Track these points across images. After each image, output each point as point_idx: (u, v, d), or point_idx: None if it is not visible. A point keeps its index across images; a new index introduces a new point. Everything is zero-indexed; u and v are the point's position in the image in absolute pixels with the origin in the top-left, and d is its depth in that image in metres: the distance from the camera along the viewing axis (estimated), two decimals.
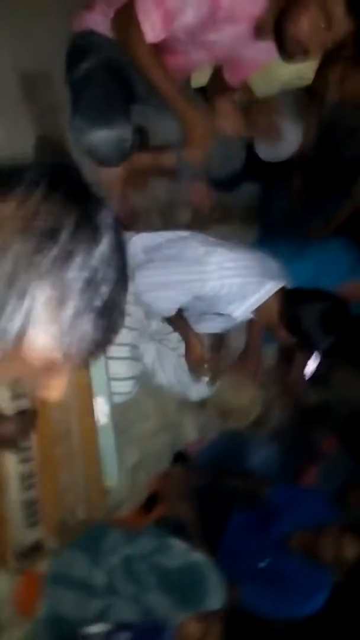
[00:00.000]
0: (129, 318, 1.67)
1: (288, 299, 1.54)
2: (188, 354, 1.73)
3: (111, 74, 1.48)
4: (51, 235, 0.49)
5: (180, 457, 2.15)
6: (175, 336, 1.89)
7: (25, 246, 0.48)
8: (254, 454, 2.33)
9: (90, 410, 1.43)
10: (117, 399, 1.62)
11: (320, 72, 1.92)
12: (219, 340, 1.89)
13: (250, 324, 1.97)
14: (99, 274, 0.50)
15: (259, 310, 1.55)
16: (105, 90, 1.47)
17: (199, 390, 1.96)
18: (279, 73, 1.92)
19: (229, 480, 2.14)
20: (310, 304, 1.53)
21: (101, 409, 1.50)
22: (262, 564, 1.90)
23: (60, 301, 0.49)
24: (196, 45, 1.50)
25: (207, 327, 1.80)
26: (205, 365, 1.74)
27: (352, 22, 1.31)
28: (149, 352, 1.83)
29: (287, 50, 1.37)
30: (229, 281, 1.47)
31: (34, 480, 1.29)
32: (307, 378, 2.78)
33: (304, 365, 2.58)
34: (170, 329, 1.86)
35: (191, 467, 2.15)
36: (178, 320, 1.68)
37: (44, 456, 1.29)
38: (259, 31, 1.45)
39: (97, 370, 1.48)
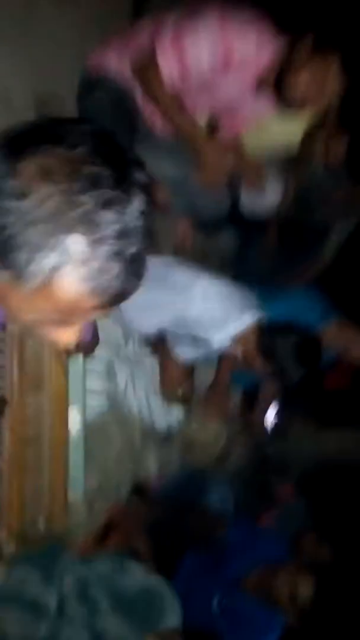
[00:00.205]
0: (107, 336, 1.71)
1: (264, 330, 1.62)
2: (163, 377, 1.77)
3: (118, 107, 1.61)
4: (91, 185, 0.55)
5: (139, 489, 2.12)
6: (150, 362, 1.93)
7: (67, 191, 0.54)
8: (212, 493, 2.33)
9: (64, 419, 1.44)
10: (91, 413, 1.63)
11: (307, 140, 2.11)
12: (189, 369, 1.94)
13: (221, 358, 2.05)
14: (130, 227, 0.57)
15: (236, 338, 1.63)
16: (112, 120, 1.59)
17: (167, 418, 1.98)
18: (268, 136, 2.10)
19: (186, 518, 2.12)
20: (286, 335, 1.63)
21: (74, 419, 1.51)
22: (215, 605, 1.86)
23: (94, 245, 0.55)
24: (204, 92, 1.65)
25: (184, 351, 1.85)
26: (179, 391, 1.78)
27: (343, 82, 1.50)
28: (123, 372, 1.86)
29: (287, 99, 1.54)
30: (212, 306, 1.55)
31: (0, 478, 1.27)
32: (267, 427, 2.85)
33: (266, 407, 2.65)
34: (145, 353, 1.91)
35: (149, 500, 2.12)
36: (158, 343, 1.73)
37: (13, 457, 1.28)
38: (260, 84, 1.62)
39: (73, 379, 1.50)
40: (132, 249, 0.57)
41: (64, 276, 0.56)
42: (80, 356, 1.49)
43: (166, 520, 2.07)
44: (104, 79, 1.61)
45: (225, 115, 1.87)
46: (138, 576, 1.51)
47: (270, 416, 2.93)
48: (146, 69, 1.48)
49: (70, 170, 0.54)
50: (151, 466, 2.23)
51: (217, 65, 1.48)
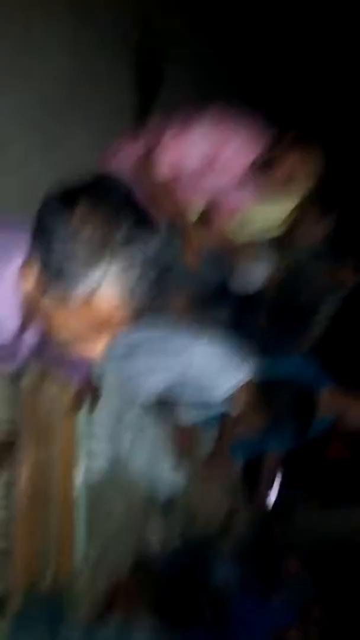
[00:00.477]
0: (110, 401, 1.82)
1: (261, 384, 1.74)
2: (178, 440, 1.86)
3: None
4: (121, 226, 0.74)
5: (142, 565, 2.10)
6: (152, 430, 2.02)
7: (106, 232, 0.73)
8: (217, 571, 2.29)
9: (71, 476, 1.50)
10: (92, 478, 1.69)
11: (290, 222, 2.35)
12: (191, 428, 2.02)
13: (221, 424, 2.13)
14: (151, 258, 0.76)
15: (235, 394, 1.74)
16: None
17: (170, 485, 2.02)
18: (254, 224, 2.36)
19: (190, 593, 2.08)
20: (281, 389, 1.74)
21: (78, 479, 1.57)
22: None
23: (125, 269, 0.74)
24: (193, 189, 1.91)
25: (191, 417, 1.95)
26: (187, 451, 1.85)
27: (322, 169, 1.76)
28: (125, 441, 1.94)
29: (271, 185, 1.78)
30: (210, 366, 1.68)
31: (10, 530, 1.31)
32: (270, 502, 2.84)
33: (270, 480, 2.65)
34: (147, 422, 2.00)
35: (152, 576, 2.09)
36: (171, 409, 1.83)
37: (23, 512, 1.34)
38: (247, 177, 1.88)
39: (79, 441, 1.58)
40: (155, 275, 0.76)
41: (101, 296, 0.75)
42: (86, 417, 1.59)
43: (170, 594, 2.04)
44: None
45: (214, 210, 2.12)
46: (144, 637, 1.49)
47: (274, 492, 2.93)
48: (145, 165, 1.74)
49: (107, 216, 0.74)
50: (152, 542, 2.23)
51: (204, 165, 1.75)
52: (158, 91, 2.89)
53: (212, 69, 3.47)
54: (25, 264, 0.81)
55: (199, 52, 3.40)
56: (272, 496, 2.79)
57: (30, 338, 1.03)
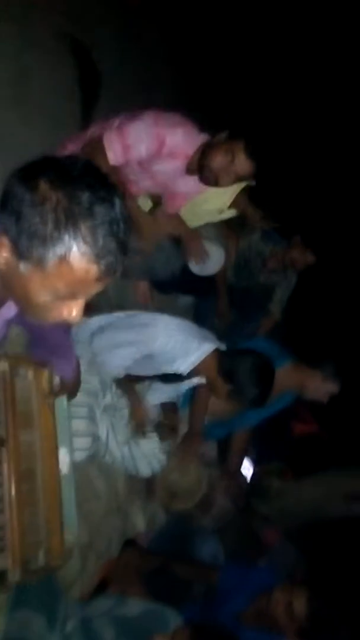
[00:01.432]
0: (86, 384, 1.88)
1: (225, 354, 1.83)
2: (133, 415, 1.93)
3: None
4: (86, 189, 0.81)
5: (130, 543, 2.15)
6: (128, 412, 2.08)
7: (70, 196, 0.80)
8: (202, 547, 2.36)
9: (54, 456, 1.54)
10: (77, 456, 1.74)
11: (235, 206, 2.48)
12: (171, 403, 2.10)
13: (193, 402, 2.22)
14: (117, 217, 0.83)
15: (199, 367, 1.83)
16: None
17: (151, 465, 2.09)
18: (203, 207, 2.47)
19: (178, 568, 2.14)
20: (244, 358, 1.84)
21: (63, 460, 1.61)
22: None
23: (94, 229, 0.80)
24: (144, 175, 2.00)
25: (157, 397, 2.02)
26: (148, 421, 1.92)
27: (252, 163, 1.89)
28: (103, 423, 1.99)
29: (205, 177, 1.91)
30: (174, 338, 1.76)
31: (2, 507, 1.35)
32: (245, 478, 2.94)
33: (239, 457, 2.76)
34: (123, 404, 2.06)
35: (141, 553, 2.15)
36: (127, 383, 1.90)
37: (14, 486, 1.38)
38: (189, 168, 2.00)
39: (60, 422, 1.63)
40: (121, 233, 0.83)
41: (74, 255, 0.80)
42: (65, 399, 1.64)
43: (160, 571, 2.10)
44: None
45: (165, 194, 2.22)
46: (138, 605, 1.55)
47: (247, 468, 3.04)
48: (93, 149, 1.82)
49: (70, 182, 0.81)
50: (138, 521, 2.28)
51: (152, 152, 1.85)
52: (98, 91, 2.97)
53: (151, 72, 3.59)
54: None
55: (134, 55, 3.50)
56: (249, 470, 2.90)
57: (6, 313, 1.08)
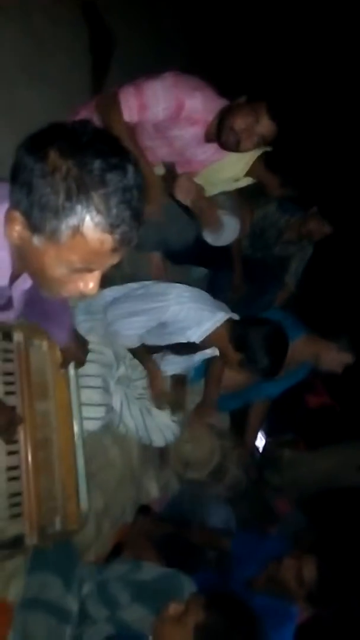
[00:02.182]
0: (100, 356, 1.89)
1: (237, 323, 1.82)
2: (151, 385, 1.94)
3: None
4: (97, 157, 0.79)
5: (144, 510, 2.20)
6: (141, 384, 2.09)
7: (81, 164, 0.77)
8: (214, 515, 2.41)
9: (69, 425, 1.57)
10: (91, 425, 1.76)
11: (252, 173, 2.42)
12: (181, 377, 2.11)
13: (207, 373, 2.22)
14: (131, 184, 0.80)
15: (212, 336, 1.82)
16: None
17: (164, 435, 2.12)
18: (218, 176, 2.42)
19: (191, 535, 2.19)
20: (257, 327, 1.83)
21: (77, 431, 1.64)
22: None
23: (106, 197, 0.78)
24: (161, 142, 1.95)
25: (169, 368, 2.03)
26: (168, 397, 1.93)
27: (275, 125, 1.84)
28: (117, 394, 2.01)
29: (225, 141, 1.85)
30: (187, 306, 1.76)
31: (19, 473, 1.38)
32: (259, 449, 2.98)
33: (257, 429, 2.79)
34: (137, 375, 2.08)
35: (155, 519, 2.19)
36: (142, 353, 1.91)
37: (30, 454, 1.41)
38: (208, 135, 1.95)
39: (73, 393, 1.65)
40: (135, 200, 0.80)
41: (88, 225, 0.77)
42: (72, 368, 1.64)
43: (172, 537, 2.14)
44: None
45: (181, 162, 2.17)
46: (153, 569, 1.59)
47: (260, 439, 3.07)
48: (107, 103, 1.77)
49: (80, 150, 0.78)
50: (152, 489, 2.33)
51: (169, 115, 1.80)
52: (110, 57, 2.90)
53: (164, 39, 3.48)
54: (9, 210, 0.83)
55: (151, 21, 3.40)
56: (261, 441, 2.93)
57: (22, 285, 1.08)
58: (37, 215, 0.78)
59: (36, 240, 0.81)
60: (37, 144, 0.79)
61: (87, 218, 0.77)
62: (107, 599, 1.54)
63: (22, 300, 1.12)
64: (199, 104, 1.87)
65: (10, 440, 1.34)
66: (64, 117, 1.99)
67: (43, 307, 1.38)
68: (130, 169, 0.80)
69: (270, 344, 1.79)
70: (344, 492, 2.91)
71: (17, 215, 0.81)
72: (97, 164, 0.77)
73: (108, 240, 0.79)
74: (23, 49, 2.33)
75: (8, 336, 1.40)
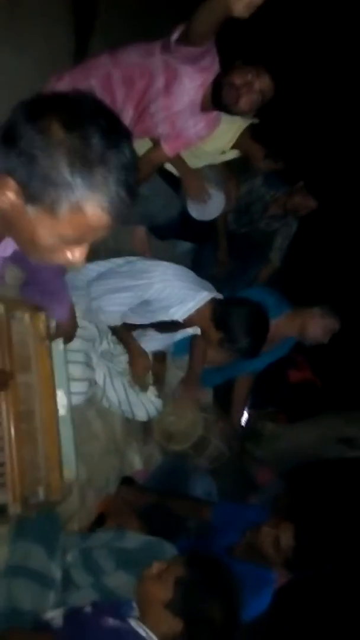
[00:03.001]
0: (83, 331, 1.89)
1: (219, 302, 1.83)
2: (133, 364, 1.95)
3: None
4: (97, 132, 0.77)
5: (127, 481, 2.24)
6: (124, 359, 2.10)
7: (81, 138, 0.76)
8: (196, 486, 2.46)
9: (52, 398, 1.58)
10: (75, 399, 1.78)
11: (240, 142, 2.38)
12: (160, 354, 2.12)
13: (191, 348, 2.24)
14: (129, 162, 0.80)
15: (194, 315, 1.83)
16: None
17: (147, 409, 2.14)
18: (204, 148, 2.39)
19: (173, 504, 2.23)
20: (238, 307, 1.84)
21: (61, 402, 1.65)
22: None
23: (106, 175, 0.77)
24: (162, 107, 1.90)
25: (150, 345, 2.04)
26: (149, 374, 1.95)
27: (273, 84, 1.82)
28: (100, 369, 2.02)
29: (224, 98, 1.83)
30: (171, 284, 1.76)
31: (2, 444, 1.39)
32: (240, 425, 3.02)
33: (242, 405, 2.83)
34: (119, 351, 2.08)
35: (138, 490, 2.23)
36: (124, 332, 1.91)
37: (13, 425, 1.42)
38: (204, 103, 1.91)
39: (57, 365, 1.65)
40: (131, 179, 0.80)
41: (88, 203, 0.78)
42: (61, 343, 1.66)
43: (156, 507, 2.19)
44: None
45: (172, 135, 2.11)
46: (137, 538, 1.63)
47: (244, 413, 3.11)
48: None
49: (83, 124, 0.77)
50: (135, 461, 2.36)
51: (161, 89, 1.77)
52: (94, 19, 2.80)
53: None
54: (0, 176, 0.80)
55: None
56: (244, 414, 2.98)
57: (3, 251, 1.06)
58: (36, 186, 0.77)
59: (30, 210, 0.80)
60: (37, 113, 0.77)
61: (89, 195, 0.77)
62: (92, 566, 1.58)
63: (1, 267, 1.11)
64: (190, 78, 1.84)
65: None
66: (45, 81, 1.94)
67: (43, 287, 1.38)
68: (128, 146, 0.80)
69: (250, 325, 1.81)
70: (323, 463, 2.99)
71: (11, 182, 0.79)
72: (98, 141, 0.76)
73: (105, 217, 0.79)
74: (4, 11, 2.25)
75: None
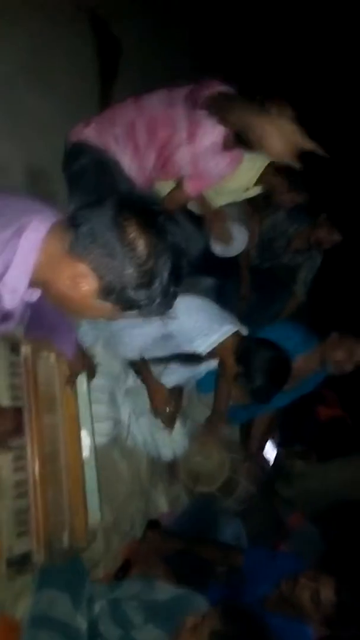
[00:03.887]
0: (107, 368, 1.86)
1: (250, 338, 1.79)
2: (152, 399, 1.91)
3: (100, 170, 1.88)
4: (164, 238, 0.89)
5: (153, 524, 2.16)
6: None
7: (153, 244, 0.89)
8: (225, 530, 2.36)
9: (77, 439, 1.54)
10: (99, 440, 1.73)
11: (264, 180, 2.38)
12: (177, 389, 2.08)
13: (217, 386, 2.18)
14: (181, 265, 0.93)
15: (217, 348, 1.79)
16: (96, 181, 1.85)
17: (173, 449, 2.08)
18: (228, 186, 2.39)
19: (201, 550, 2.14)
20: (265, 348, 1.79)
21: (85, 442, 1.61)
22: None
23: (166, 288, 0.91)
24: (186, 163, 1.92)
25: (172, 379, 2.00)
26: (167, 410, 1.90)
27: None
28: (125, 407, 1.98)
29: (248, 142, 1.82)
30: (195, 317, 1.73)
31: (27, 489, 1.35)
32: (268, 461, 2.92)
33: (261, 440, 2.73)
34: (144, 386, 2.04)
35: (165, 534, 2.15)
36: (142, 365, 1.88)
37: (38, 468, 1.37)
38: (226, 142, 1.91)
39: (81, 405, 1.62)
40: (174, 288, 0.93)
41: (150, 308, 0.94)
42: (84, 382, 1.63)
43: (183, 553, 2.10)
44: (86, 148, 1.89)
45: (193, 175, 2.11)
46: (167, 590, 1.55)
47: (270, 451, 3.01)
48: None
49: (151, 230, 0.88)
50: (161, 503, 2.28)
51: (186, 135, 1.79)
52: (117, 66, 2.89)
53: (169, 45, 3.48)
54: (75, 263, 0.89)
55: (156, 27, 3.40)
56: (272, 453, 2.88)
57: (30, 297, 1.05)
58: (113, 283, 0.88)
59: (98, 302, 0.91)
60: (117, 216, 0.87)
61: (153, 302, 0.91)
62: (121, 618, 1.50)
63: (24, 311, 1.10)
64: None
65: (18, 455, 1.31)
66: (71, 125, 1.98)
67: (47, 322, 1.37)
68: (180, 235, 0.93)
69: (271, 369, 1.77)
70: (356, 505, 2.85)
71: (89, 273, 0.89)
72: (165, 249, 0.89)
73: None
74: (29, 57, 2.34)
75: (16, 349, 1.37)
